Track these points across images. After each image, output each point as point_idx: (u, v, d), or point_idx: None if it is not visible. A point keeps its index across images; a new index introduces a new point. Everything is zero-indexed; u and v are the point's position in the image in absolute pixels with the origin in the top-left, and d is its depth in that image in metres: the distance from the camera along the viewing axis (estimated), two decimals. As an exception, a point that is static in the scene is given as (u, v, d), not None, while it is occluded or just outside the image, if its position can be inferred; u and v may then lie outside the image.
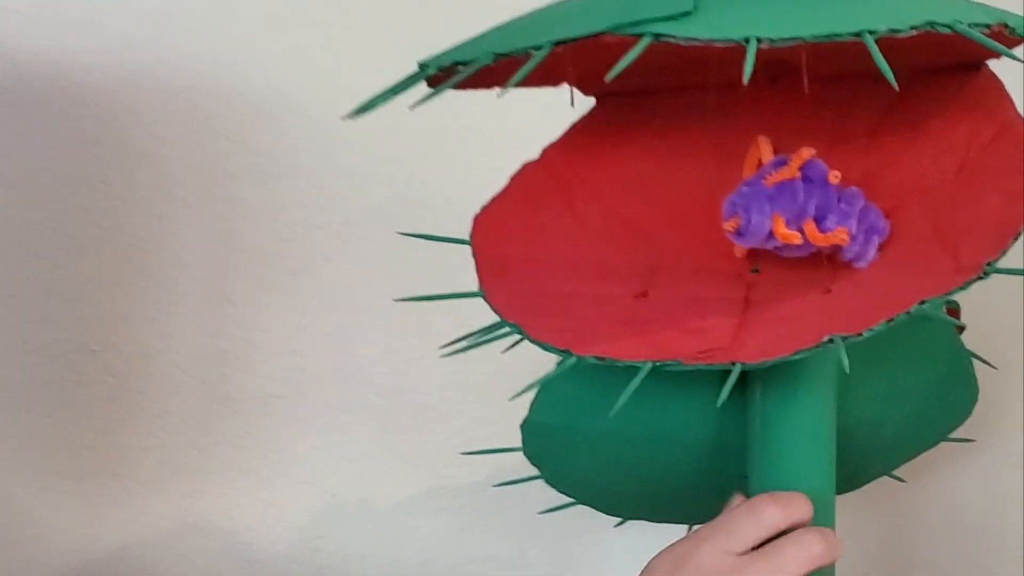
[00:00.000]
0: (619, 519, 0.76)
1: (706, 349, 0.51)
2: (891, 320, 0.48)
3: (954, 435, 0.76)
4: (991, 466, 0.95)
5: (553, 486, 0.70)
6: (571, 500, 0.73)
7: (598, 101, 0.62)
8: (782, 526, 0.55)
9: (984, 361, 0.74)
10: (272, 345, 0.84)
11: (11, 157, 0.78)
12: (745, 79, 0.40)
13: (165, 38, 0.81)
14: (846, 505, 0.66)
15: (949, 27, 0.43)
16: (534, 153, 0.68)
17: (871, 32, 0.42)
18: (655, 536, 0.83)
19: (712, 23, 0.43)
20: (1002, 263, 0.49)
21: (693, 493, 0.68)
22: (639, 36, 0.44)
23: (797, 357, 0.49)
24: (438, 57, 0.52)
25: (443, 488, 0.89)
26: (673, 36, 0.43)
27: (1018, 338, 0.90)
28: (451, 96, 0.63)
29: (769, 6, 0.44)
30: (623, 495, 0.70)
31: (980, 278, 0.48)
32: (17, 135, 0.78)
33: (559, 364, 0.60)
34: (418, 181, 0.85)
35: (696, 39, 0.43)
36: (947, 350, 0.70)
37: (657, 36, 0.43)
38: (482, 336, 0.62)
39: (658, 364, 0.51)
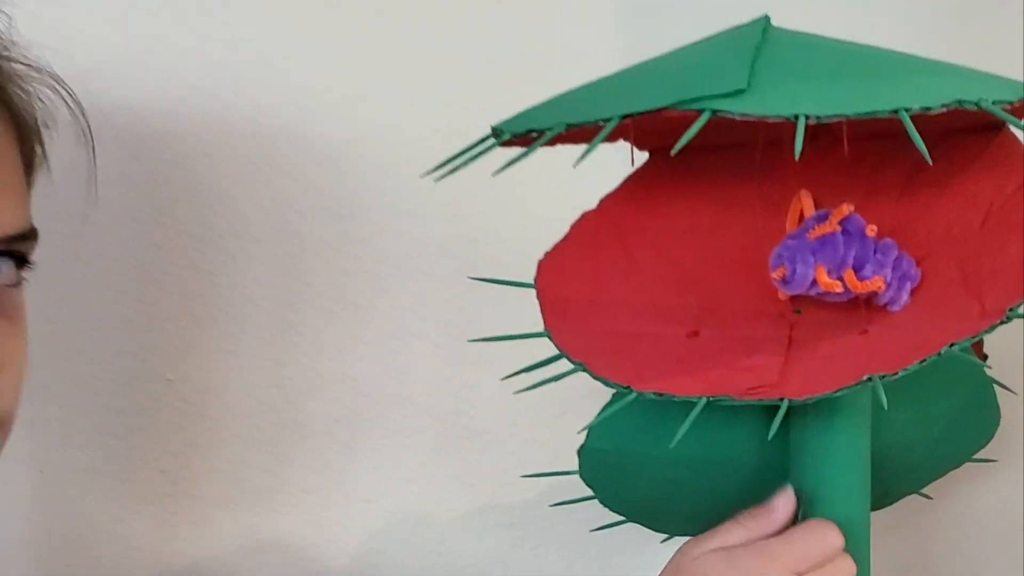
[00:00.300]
0: (666, 535, 0.81)
1: (756, 386, 0.57)
2: (923, 361, 0.53)
3: (978, 455, 0.81)
4: (1013, 484, 0.98)
5: (606, 506, 0.75)
6: (620, 519, 0.78)
7: (651, 154, 0.67)
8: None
9: (1006, 387, 0.78)
10: (334, 373, 0.88)
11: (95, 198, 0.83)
12: (796, 154, 0.45)
13: (235, 86, 0.85)
14: (878, 520, 0.70)
15: (976, 104, 0.49)
16: (583, 196, 0.73)
17: (907, 109, 0.47)
18: None
19: (764, 100, 0.49)
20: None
21: (738, 511, 0.73)
22: (699, 111, 0.49)
23: (839, 394, 0.54)
24: (512, 123, 0.57)
25: (495, 506, 0.93)
26: (730, 112, 0.49)
27: None
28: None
29: (814, 83, 0.50)
30: (673, 514, 0.75)
31: (1003, 322, 0.54)
32: (101, 178, 0.83)
33: (615, 395, 0.65)
34: (472, 219, 0.89)
35: (750, 115, 0.48)
36: (971, 378, 0.74)
37: (715, 112, 0.49)
38: (544, 366, 0.67)
39: (712, 399, 0.57)
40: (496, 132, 0.57)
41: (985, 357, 0.77)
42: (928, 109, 0.48)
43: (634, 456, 0.70)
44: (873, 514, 0.68)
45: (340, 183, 0.87)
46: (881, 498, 0.73)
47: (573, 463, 0.78)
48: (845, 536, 0.64)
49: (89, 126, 0.66)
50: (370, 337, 0.88)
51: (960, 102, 0.49)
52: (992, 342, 0.72)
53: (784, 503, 0.63)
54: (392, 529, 0.91)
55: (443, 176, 0.57)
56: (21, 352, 0.57)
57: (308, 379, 0.88)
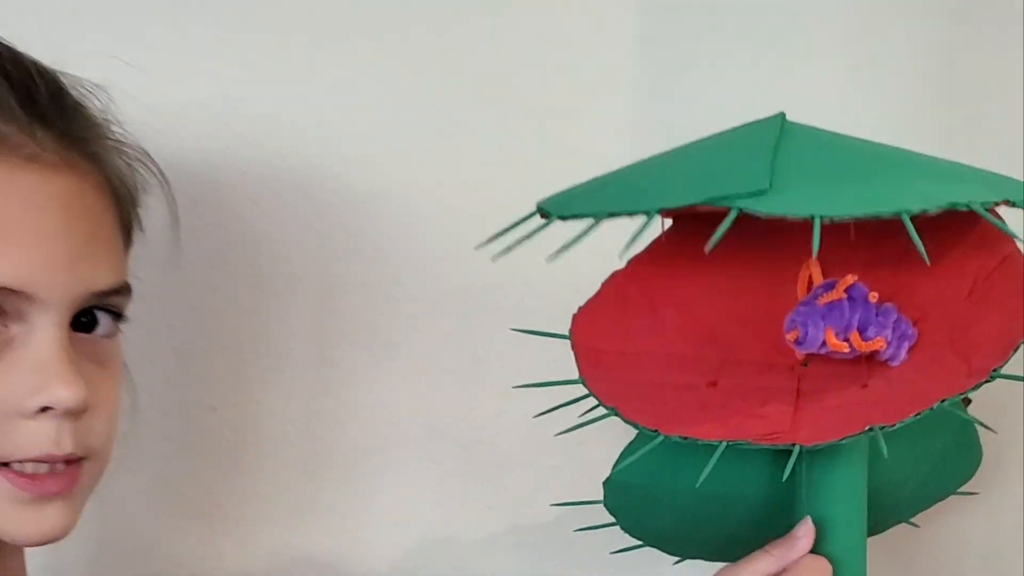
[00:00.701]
0: (678, 558, 0.88)
1: (771, 432, 0.64)
2: (919, 414, 0.61)
3: (962, 489, 0.89)
4: (993, 514, 1.04)
5: (627, 532, 0.82)
6: (638, 543, 0.86)
7: (675, 221, 0.75)
8: None
9: (986, 427, 0.86)
10: (368, 404, 0.94)
11: (151, 240, 0.89)
12: (814, 253, 0.54)
13: (278, 137, 0.92)
14: (871, 547, 0.77)
15: (967, 206, 0.57)
16: (604, 246, 0.80)
17: (908, 211, 0.56)
18: (705, 570, 0.95)
19: (785, 200, 0.57)
20: (1006, 369, 0.62)
21: (747, 540, 0.80)
22: (727, 208, 0.57)
23: (844, 441, 0.62)
24: (557, 206, 0.64)
25: (518, 528, 0.98)
26: (755, 211, 0.57)
27: (1015, 408, 0.99)
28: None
29: (827, 185, 0.58)
30: (688, 541, 0.82)
31: (987, 381, 0.62)
32: (159, 224, 0.89)
33: (638, 436, 0.73)
34: (498, 266, 0.95)
35: (773, 214, 0.56)
36: (956, 422, 0.82)
37: (742, 210, 0.57)
38: (571, 404, 0.75)
39: (731, 443, 0.65)
40: (542, 213, 0.65)
41: (968, 401, 0.85)
42: (925, 211, 0.56)
43: (655, 489, 0.77)
44: (868, 539, 0.76)
45: (376, 229, 0.93)
46: (875, 526, 0.80)
47: (589, 489, 0.83)
48: (845, 560, 0.71)
49: (171, 191, 0.73)
50: (402, 371, 0.94)
51: (953, 204, 0.57)
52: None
53: (806, 532, 0.71)
54: (421, 549, 0.97)
55: (499, 256, 0.64)
56: (113, 396, 0.64)
57: (344, 409, 0.94)
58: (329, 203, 0.93)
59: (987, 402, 0.78)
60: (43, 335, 0.59)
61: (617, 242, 0.77)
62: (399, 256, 0.94)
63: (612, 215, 0.60)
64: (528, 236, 0.64)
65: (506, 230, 0.66)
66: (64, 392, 0.59)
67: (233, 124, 0.90)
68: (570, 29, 0.95)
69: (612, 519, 0.82)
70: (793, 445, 0.63)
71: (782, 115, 0.64)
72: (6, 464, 0.59)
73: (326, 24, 0.92)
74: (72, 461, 0.61)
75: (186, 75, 0.89)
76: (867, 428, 0.61)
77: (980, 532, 1.05)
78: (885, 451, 0.61)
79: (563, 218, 0.63)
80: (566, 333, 0.73)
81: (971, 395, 0.80)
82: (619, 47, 0.96)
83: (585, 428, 0.91)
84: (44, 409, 0.59)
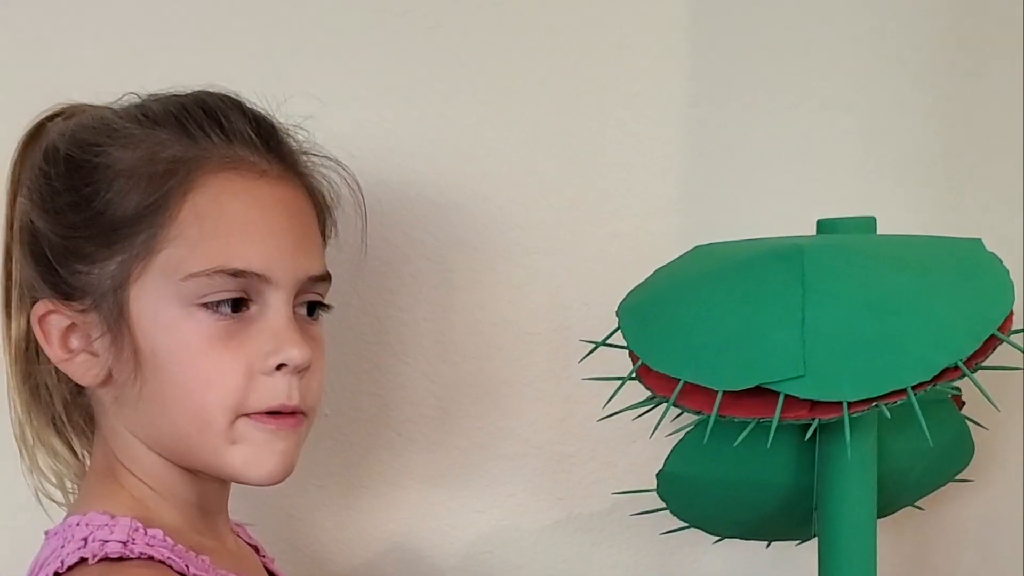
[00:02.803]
0: (718, 537, 1.02)
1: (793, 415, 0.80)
2: (916, 392, 0.76)
3: (959, 477, 1.02)
4: (987, 499, 1.16)
5: (676, 516, 0.96)
6: (684, 525, 0.99)
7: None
8: None
9: (979, 425, 1.00)
10: (461, 412, 1.07)
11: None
12: (847, 438, 0.73)
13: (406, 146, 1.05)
14: (882, 528, 0.90)
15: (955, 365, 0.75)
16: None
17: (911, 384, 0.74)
18: (739, 549, 1.08)
19: (817, 384, 0.76)
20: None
21: (777, 520, 0.95)
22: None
23: (857, 415, 0.77)
24: (647, 354, 0.83)
25: (579, 515, 1.10)
26: (797, 395, 0.75)
27: (1007, 407, 1.09)
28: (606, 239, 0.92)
29: (849, 369, 0.75)
30: (727, 522, 0.97)
31: (972, 372, 0.76)
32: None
33: (686, 435, 0.89)
34: (566, 289, 1.08)
35: (810, 398, 0.75)
36: (952, 421, 0.97)
37: (786, 395, 0.75)
38: (632, 409, 0.90)
39: (760, 421, 0.79)
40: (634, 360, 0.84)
41: (962, 404, 1.00)
42: (924, 381, 0.75)
43: (700, 479, 0.92)
44: (879, 521, 0.89)
45: (465, 263, 1.06)
46: (884, 509, 0.94)
47: (641, 481, 0.99)
48: (857, 534, 0.85)
49: (364, 201, 0.88)
50: (485, 384, 1.07)
51: (944, 368, 0.75)
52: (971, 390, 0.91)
53: None
54: (498, 533, 1.09)
55: (584, 359, 0.88)
56: (321, 365, 0.79)
57: (439, 417, 1.07)
58: (427, 241, 1.05)
59: (980, 401, 0.87)
60: (276, 310, 0.75)
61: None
62: (484, 283, 1.07)
63: (689, 383, 0.80)
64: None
65: (596, 347, 0.87)
66: (295, 352, 0.74)
67: (376, 153, 1.03)
68: (629, 87, 1.08)
69: (663, 505, 0.96)
70: (812, 420, 0.77)
71: (802, 272, 0.79)
72: (248, 416, 0.74)
73: (455, 55, 1.05)
74: (296, 414, 0.76)
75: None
76: (873, 405, 0.76)
77: (976, 514, 1.17)
78: (888, 415, 0.75)
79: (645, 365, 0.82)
80: (622, 343, 0.88)
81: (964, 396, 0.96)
82: (671, 104, 1.09)
83: (634, 431, 1.06)
84: (280, 367, 0.74)
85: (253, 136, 0.77)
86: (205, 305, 0.73)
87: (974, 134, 1.14)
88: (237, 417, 0.73)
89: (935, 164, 1.14)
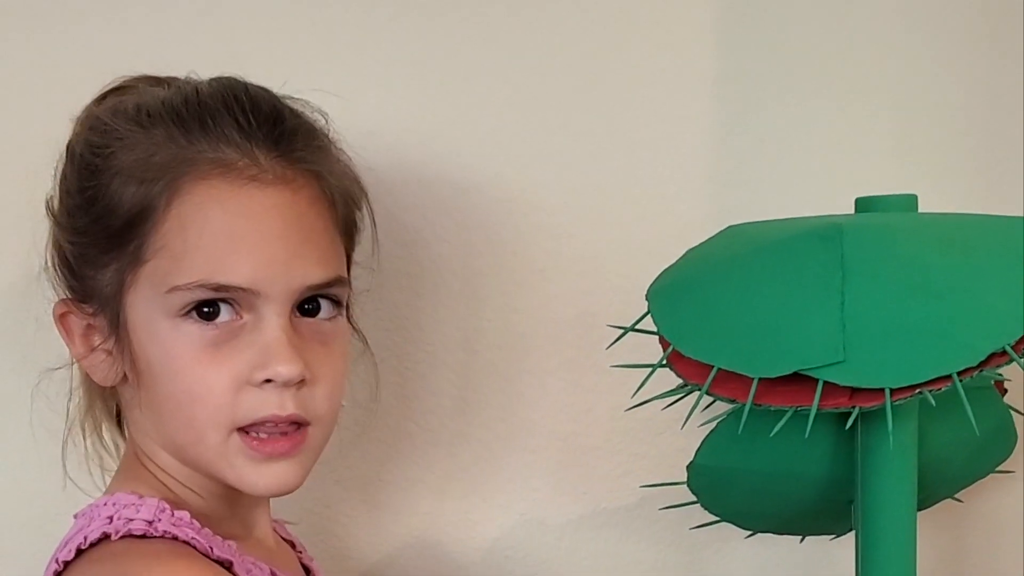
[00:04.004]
0: (749, 532, 1.00)
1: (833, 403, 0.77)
2: (961, 379, 0.73)
3: (999, 468, 1.00)
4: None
5: (707, 509, 0.94)
6: (715, 519, 0.97)
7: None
8: None
9: (1020, 412, 0.97)
10: (479, 402, 1.05)
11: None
12: (889, 426, 0.71)
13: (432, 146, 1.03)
14: (921, 520, 0.88)
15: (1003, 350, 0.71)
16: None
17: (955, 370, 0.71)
18: (771, 545, 1.07)
19: (858, 371, 0.73)
20: None
21: (812, 514, 0.93)
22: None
23: (900, 403, 0.74)
24: (681, 341, 0.80)
25: (605, 509, 1.08)
26: (837, 382, 0.72)
27: None
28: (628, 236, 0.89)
29: (890, 350, 0.72)
30: (760, 516, 0.94)
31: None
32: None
33: (717, 425, 0.86)
34: (588, 277, 1.06)
35: (850, 385, 0.72)
36: (995, 408, 0.94)
37: (826, 382, 0.72)
38: (658, 399, 0.87)
39: (798, 409, 0.76)
40: (662, 339, 0.82)
41: (1005, 391, 0.97)
42: (970, 367, 0.72)
43: (731, 471, 0.90)
44: (919, 513, 0.87)
45: (487, 248, 1.04)
46: (923, 502, 0.91)
47: (669, 474, 0.97)
48: (897, 528, 0.83)
49: (371, 209, 0.85)
50: (508, 372, 1.06)
51: (991, 354, 0.72)
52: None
53: None
54: (522, 528, 1.07)
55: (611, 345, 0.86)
56: (335, 370, 0.76)
57: (459, 407, 1.05)
58: (448, 228, 1.04)
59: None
60: (268, 322, 0.72)
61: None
62: (505, 271, 1.05)
63: (721, 370, 0.77)
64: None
65: (625, 332, 0.85)
66: (282, 368, 0.72)
67: (394, 135, 1.01)
68: (656, 63, 1.06)
69: (693, 498, 0.94)
70: (852, 408, 0.75)
71: (841, 255, 0.76)
72: (245, 431, 0.73)
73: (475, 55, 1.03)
74: (301, 425, 0.74)
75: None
76: (917, 392, 0.73)
77: (1015, 506, 1.14)
78: (933, 401, 0.72)
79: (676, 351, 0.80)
80: (652, 328, 0.85)
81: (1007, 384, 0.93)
82: (699, 82, 1.07)
83: (664, 420, 1.03)
84: (267, 381, 0.72)
85: (247, 134, 0.73)
86: (190, 316, 0.72)
87: (1014, 107, 1.12)
88: (230, 432, 0.73)
89: (974, 140, 1.12)
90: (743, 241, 0.84)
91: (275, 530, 0.87)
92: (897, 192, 0.85)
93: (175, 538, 0.70)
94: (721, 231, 0.90)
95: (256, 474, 0.74)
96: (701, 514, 0.97)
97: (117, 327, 0.74)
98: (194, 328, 0.72)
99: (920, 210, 0.86)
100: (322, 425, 0.76)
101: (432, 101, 1.03)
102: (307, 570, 0.88)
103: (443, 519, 1.07)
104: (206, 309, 0.72)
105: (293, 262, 0.73)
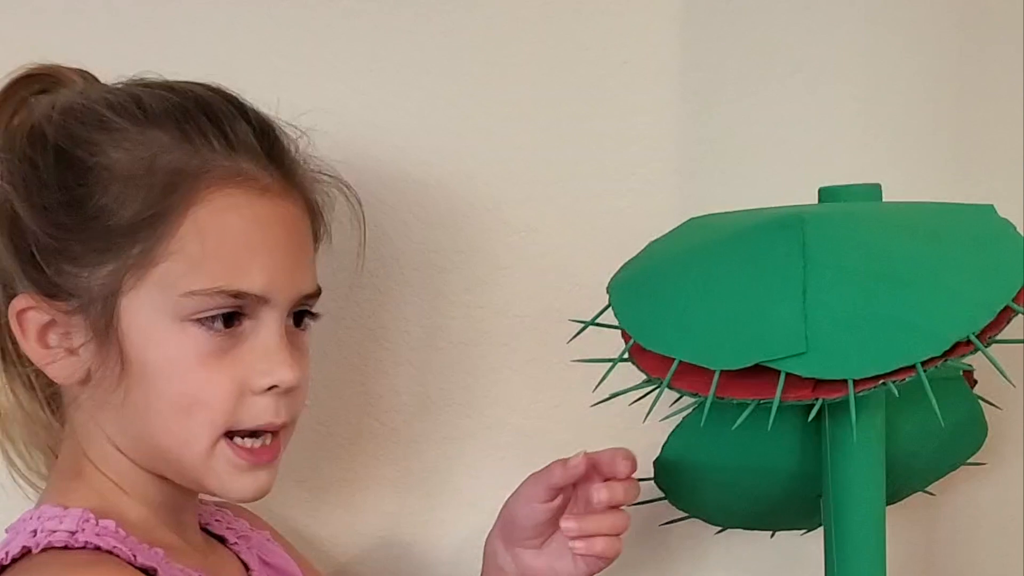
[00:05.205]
0: (720, 528, 0.99)
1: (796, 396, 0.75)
2: (926, 369, 0.71)
3: (970, 460, 0.99)
4: (1000, 482, 1.12)
5: (675, 505, 0.94)
6: (684, 515, 0.96)
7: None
8: None
9: (991, 404, 0.96)
10: (444, 399, 1.04)
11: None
12: (852, 419, 0.69)
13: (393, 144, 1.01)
14: (892, 514, 0.87)
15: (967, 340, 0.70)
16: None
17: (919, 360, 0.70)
18: (745, 540, 1.05)
19: (821, 362, 0.71)
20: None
21: (782, 508, 0.92)
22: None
23: (863, 394, 0.72)
24: (639, 333, 0.79)
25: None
26: (799, 374, 0.71)
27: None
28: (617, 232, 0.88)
29: (853, 341, 0.71)
30: (729, 511, 0.94)
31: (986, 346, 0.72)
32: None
33: (683, 419, 0.85)
34: (557, 270, 1.04)
35: (813, 377, 0.71)
36: (964, 400, 0.93)
37: (788, 373, 0.70)
38: (625, 393, 0.85)
39: (761, 403, 0.75)
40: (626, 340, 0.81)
41: (974, 382, 0.96)
42: (935, 357, 0.70)
43: (698, 466, 0.89)
44: (888, 508, 0.86)
45: (450, 244, 1.03)
46: (893, 495, 0.91)
47: (639, 469, 0.92)
48: (865, 521, 0.82)
49: (363, 215, 0.87)
50: (472, 369, 1.05)
51: (955, 343, 0.71)
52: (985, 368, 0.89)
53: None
54: (490, 526, 1.00)
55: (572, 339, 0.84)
56: (307, 377, 0.78)
57: (424, 405, 1.04)
58: (408, 222, 1.02)
59: (993, 378, 0.85)
60: (269, 329, 0.74)
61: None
62: (468, 266, 1.04)
63: (683, 363, 0.76)
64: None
65: (585, 326, 0.84)
66: (288, 374, 0.74)
67: (354, 128, 1.00)
68: (618, 54, 1.05)
69: (661, 494, 0.93)
70: (816, 400, 0.74)
71: (803, 240, 0.75)
72: (230, 437, 0.74)
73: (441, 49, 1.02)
74: (275, 432, 0.76)
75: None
76: (880, 383, 0.72)
77: (988, 497, 1.14)
78: (896, 393, 0.72)
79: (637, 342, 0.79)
80: (614, 323, 0.84)
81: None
82: (662, 74, 1.06)
83: (631, 416, 1.01)
84: (271, 388, 0.74)
85: (256, 147, 0.75)
86: (198, 320, 0.72)
87: (980, 96, 1.11)
88: (220, 437, 0.74)
89: (940, 128, 1.11)
90: (704, 232, 0.83)
91: (209, 527, 0.86)
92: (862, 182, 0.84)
93: (97, 548, 0.69)
94: (683, 223, 0.89)
95: (238, 482, 0.75)
96: (671, 510, 0.96)
97: (104, 328, 0.72)
98: (200, 332, 0.72)
99: (885, 199, 0.85)
100: (291, 428, 0.79)
101: (392, 96, 1.01)
102: (245, 565, 0.86)
103: (411, 518, 1.06)
104: (213, 318, 0.72)
105: (296, 272, 0.76)
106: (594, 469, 0.83)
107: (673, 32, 1.05)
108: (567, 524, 0.83)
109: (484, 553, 0.91)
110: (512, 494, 0.87)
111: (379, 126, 1.01)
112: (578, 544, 0.83)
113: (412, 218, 1.02)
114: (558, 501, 0.84)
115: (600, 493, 0.82)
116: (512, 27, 1.03)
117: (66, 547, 0.69)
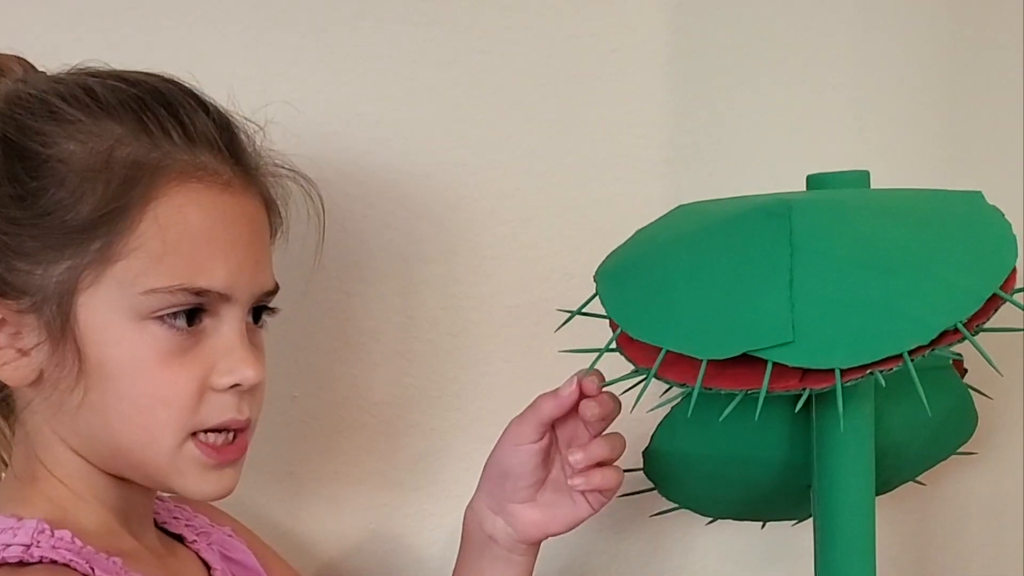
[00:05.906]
0: (710, 519, 0.99)
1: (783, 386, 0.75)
2: (912, 359, 0.71)
3: (961, 449, 0.99)
4: (991, 472, 1.13)
5: (665, 496, 0.93)
6: (674, 506, 0.96)
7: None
8: None
9: (983, 393, 0.96)
10: (434, 391, 1.04)
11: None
12: (840, 408, 0.68)
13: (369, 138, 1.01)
14: (883, 504, 0.87)
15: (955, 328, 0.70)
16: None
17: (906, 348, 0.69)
18: (735, 531, 1.05)
19: (808, 351, 0.71)
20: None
21: (772, 499, 0.91)
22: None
23: (851, 383, 0.72)
24: (628, 323, 0.78)
25: None
26: (786, 363, 0.70)
27: (1010, 373, 1.07)
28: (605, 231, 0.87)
29: (841, 333, 0.71)
30: (719, 501, 0.93)
31: (974, 335, 0.72)
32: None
33: (671, 410, 0.84)
34: (544, 259, 1.04)
35: (800, 366, 0.70)
36: (953, 390, 0.93)
37: (775, 363, 0.70)
38: (616, 383, 0.85)
39: (748, 392, 0.74)
40: (612, 322, 0.80)
41: (964, 372, 0.95)
42: (922, 345, 0.69)
43: (688, 456, 0.89)
44: (877, 498, 0.85)
45: (437, 234, 1.03)
46: (883, 485, 0.90)
47: (627, 460, 0.91)
48: (855, 511, 0.81)
49: (324, 209, 0.86)
50: (464, 361, 1.04)
51: (943, 332, 0.70)
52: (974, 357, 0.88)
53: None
54: None
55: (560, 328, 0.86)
56: (265, 374, 0.76)
57: (413, 397, 1.04)
58: (399, 215, 1.02)
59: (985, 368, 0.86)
60: (230, 327, 0.73)
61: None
62: (457, 258, 1.04)
63: (670, 352, 0.76)
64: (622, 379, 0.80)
65: (572, 316, 0.83)
66: (250, 372, 0.73)
67: (340, 119, 0.99)
68: (608, 43, 1.05)
69: (651, 485, 0.93)
70: (803, 390, 0.73)
71: (789, 227, 0.74)
72: (195, 435, 0.72)
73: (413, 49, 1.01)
74: (242, 430, 0.75)
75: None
76: (868, 372, 0.71)
77: (979, 487, 1.14)
78: (883, 382, 0.71)
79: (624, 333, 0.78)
80: (603, 312, 0.83)
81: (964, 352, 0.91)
82: (651, 61, 1.06)
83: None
84: (233, 386, 0.72)
85: (216, 140, 0.73)
86: (159, 318, 0.70)
87: (969, 83, 1.11)
88: (186, 437, 0.72)
89: (929, 116, 1.11)
90: (691, 220, 0.83)
91: (167, 525, 0.84)
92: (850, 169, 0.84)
93: (53, 562, 0.67)
94: (671, 210, 0.88)
95: (204, 481, 0.74)
96: (661, 501, 0.96)
97: (59, 328, 0.70)
98: (161, 330, 0.70)
99: (873, 186, 0.84)
100: (253, 427, 0.77)
101: (377, 86, 1.01)
102: (207, 564, 0.84)
103: (399, 511, 1.06)
104: (175, 314, 0.71)
105: (256, 268, 0.74)
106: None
107: (663, 21, 1.05)
108: (575, 456, 0.82)
109: (465, 530, 0.89)
110: (493, 450, 0.86)
111: (365, 117, 1.01)
112: (577, 480, 0.82)
113: (399, 209, 1.02)
114: (546, 440, 0.83)
115: (591, 408, 0.81)
116: (500, 16, 1.03)
117: (21, 563, 0.67)
